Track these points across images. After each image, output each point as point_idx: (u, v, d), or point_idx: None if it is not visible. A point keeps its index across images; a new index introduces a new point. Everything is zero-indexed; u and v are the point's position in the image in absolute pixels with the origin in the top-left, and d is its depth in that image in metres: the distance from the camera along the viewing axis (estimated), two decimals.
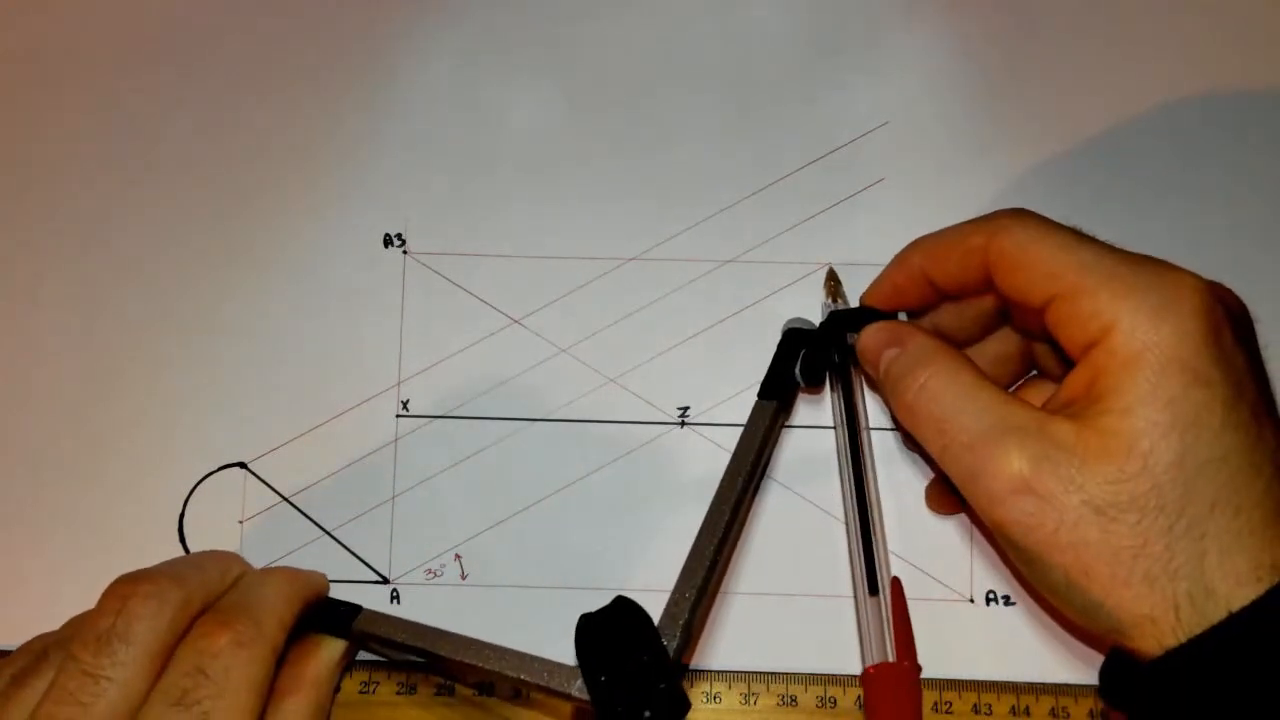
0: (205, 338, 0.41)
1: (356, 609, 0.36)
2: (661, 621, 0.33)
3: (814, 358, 0.38)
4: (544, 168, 0.42)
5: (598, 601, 0.33)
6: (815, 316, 0.40)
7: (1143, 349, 0.28)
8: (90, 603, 0.31)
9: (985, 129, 0.42)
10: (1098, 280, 0.29)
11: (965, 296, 0.36)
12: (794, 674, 0.39)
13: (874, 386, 0.39)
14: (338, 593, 0.40)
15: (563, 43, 0.43)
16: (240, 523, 0.40)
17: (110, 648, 0.29)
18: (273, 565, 0.36)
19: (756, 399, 0.37)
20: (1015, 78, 0.43)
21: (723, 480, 0.35)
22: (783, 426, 0.39)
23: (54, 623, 0.34)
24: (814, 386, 0.39)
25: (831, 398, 0.39)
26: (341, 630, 0.35)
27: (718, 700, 0.38)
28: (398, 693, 0.39)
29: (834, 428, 0.40)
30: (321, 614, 0.35)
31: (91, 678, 0.29)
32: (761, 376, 0.40)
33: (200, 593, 0.32)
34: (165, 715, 0.29)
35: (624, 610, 0.32)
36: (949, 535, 0.39)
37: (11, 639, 0.38)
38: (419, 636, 0.34)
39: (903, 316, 0.37)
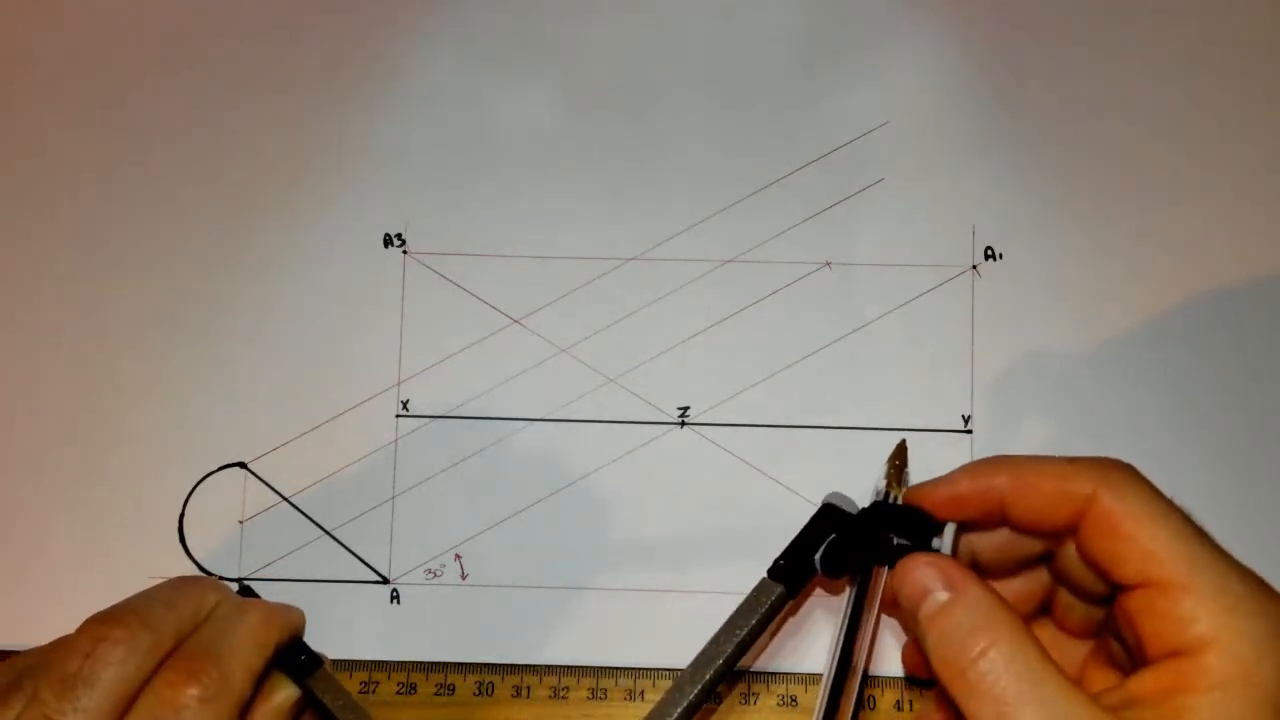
0: (205, 337, 0.41)
1: (317, 662, 0.34)
2: None
3: (840, 550, 0.34)
4: (544, 168, 0.42)
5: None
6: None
7: (1239, 678, 0.26)
8: (90, 602, 0.31)
9: (985, 129, 0.42)
10: (1207, 586, 0.27)
11: (1034, 534, 0.32)
12: (794, 674, 0.39)
13: (893, 608, 0.33)
14: (339, 592, 0.40)
15: (563, 43, 0.43)
16: (240, 523, 0.40)
17: (74, 692, 0.28)
18: (250, 602, 0.34)
19: (766, 575, 0.34)
20: (1015, 78, 0.43)
21: (701, 652, 0.33)
22: (784, 615, 0.36)
23: (53, 622, 0.34)
24: (832, 579, 0.35)
25: (847, 594, 0.34)
26: (296, 676, 0.34)
27: (717, 700, 0.38)
28: (398, 693, 0.39)
29: (839, 623, 0.34)
30: (285, 653, 0.34)
31: None
32: (762, 376, 0.40)
33: (172, 634, 0.31)
34: None
35: None
36: None
37: (12, 639, 0.39)
38: (355, 715, 0.34)
39: (950, 529, 0.33)
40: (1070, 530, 0.30)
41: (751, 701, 0.38)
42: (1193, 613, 0.27)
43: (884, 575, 0.33)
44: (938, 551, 0.32)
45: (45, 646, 0.31)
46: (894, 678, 0.38)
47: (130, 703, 0.29)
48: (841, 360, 0.41)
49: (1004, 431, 0.40)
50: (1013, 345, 0.41)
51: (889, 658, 0.38)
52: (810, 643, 0.39)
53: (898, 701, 0.38)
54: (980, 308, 0.41)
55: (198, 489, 0.40)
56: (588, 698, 0.39)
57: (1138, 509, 0.29)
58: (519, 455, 0.41)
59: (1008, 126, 0.42)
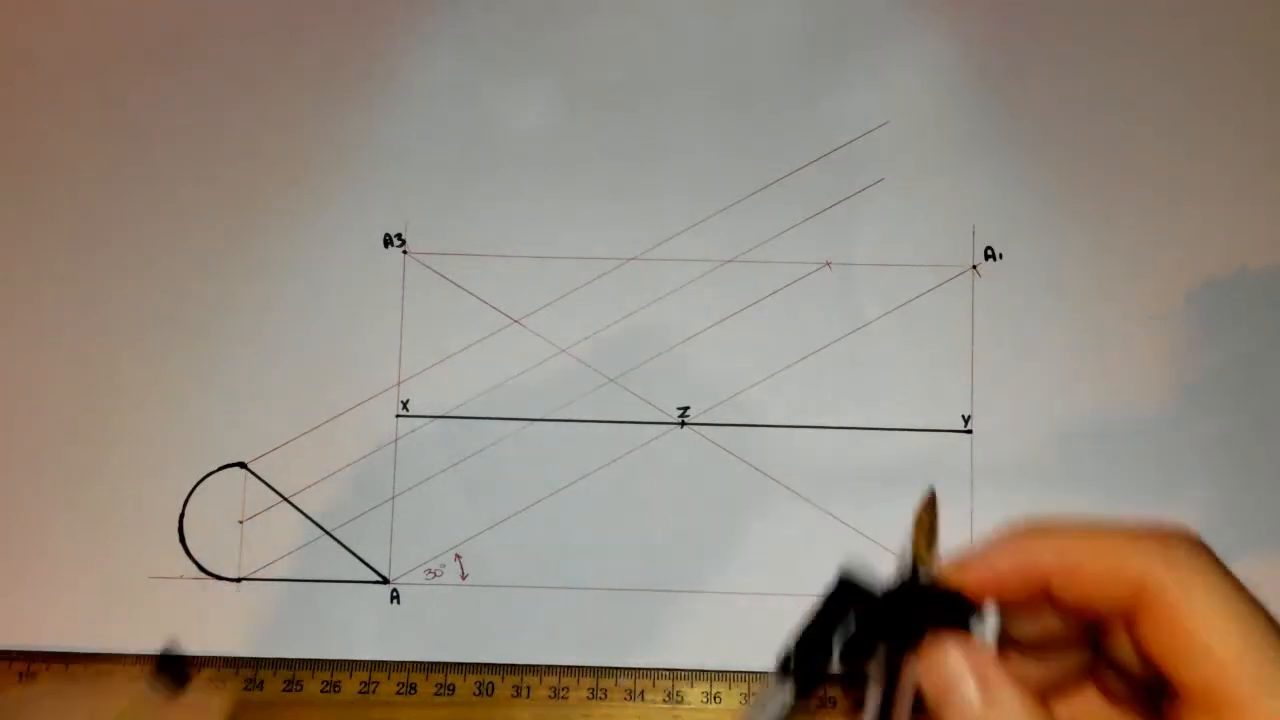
0: (205, 337, 0.41)
1: None
2: None
3: (863, 640, 0.29)
4: (544, 168, 0.42)
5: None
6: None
7: None
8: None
9: (985, 129, 0.42)
10: (1270, 713, 0.24)
11: (1078, 618, 0.28)
12: None
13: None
14: (339, 592, 0.40)
15: (563, 43, 0.43)
16: (240, 523, 0.40)
17: None
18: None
19: (774, 673, 0.29)
20: (1015, 78, 0.43)
21: None
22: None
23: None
24: (852, 674, 0.30)
25: (871, 691, 0.30)
26: None
27: (718, 700, 0.38)
28: (397, 693, 0.39)
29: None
30: None
31: None
32: (762, 376, 0.40)
33: None
34: None
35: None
36: None
37: (12, 639, 0.39)
38: None
39: (993, 612, 0.29)
40: (1124, 615, 0.26)
41: (752, 702, 0.38)
42: None
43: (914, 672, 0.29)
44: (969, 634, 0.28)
45: None
46: None
47: None
48: (841, 360, 0.41)
49: (1004, 431, 0.40)
50: (1013, 345, 0.41)
51: None
52: None
53: None
54: (980, 308, 0.41)
55: (198, 489, 0.40)
56: (588, 698, 0.39)
57: (1205, 602, 0.25)
58: (519, 455, 0.41)
59: (1008, 126, 0.42)
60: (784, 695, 0.29)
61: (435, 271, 0.42)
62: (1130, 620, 0.26)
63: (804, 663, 0.29)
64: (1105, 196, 0.42)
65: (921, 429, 0.40)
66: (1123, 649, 0.27)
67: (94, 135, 0.43)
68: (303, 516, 0.40)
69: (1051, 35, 0.43)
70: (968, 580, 0.28)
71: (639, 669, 0.39)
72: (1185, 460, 0.40)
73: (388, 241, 0.42)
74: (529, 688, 0.39)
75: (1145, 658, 0.26)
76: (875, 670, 0.29)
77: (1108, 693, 0.29)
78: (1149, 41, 0.43)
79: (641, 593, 0.40)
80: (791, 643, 0.28)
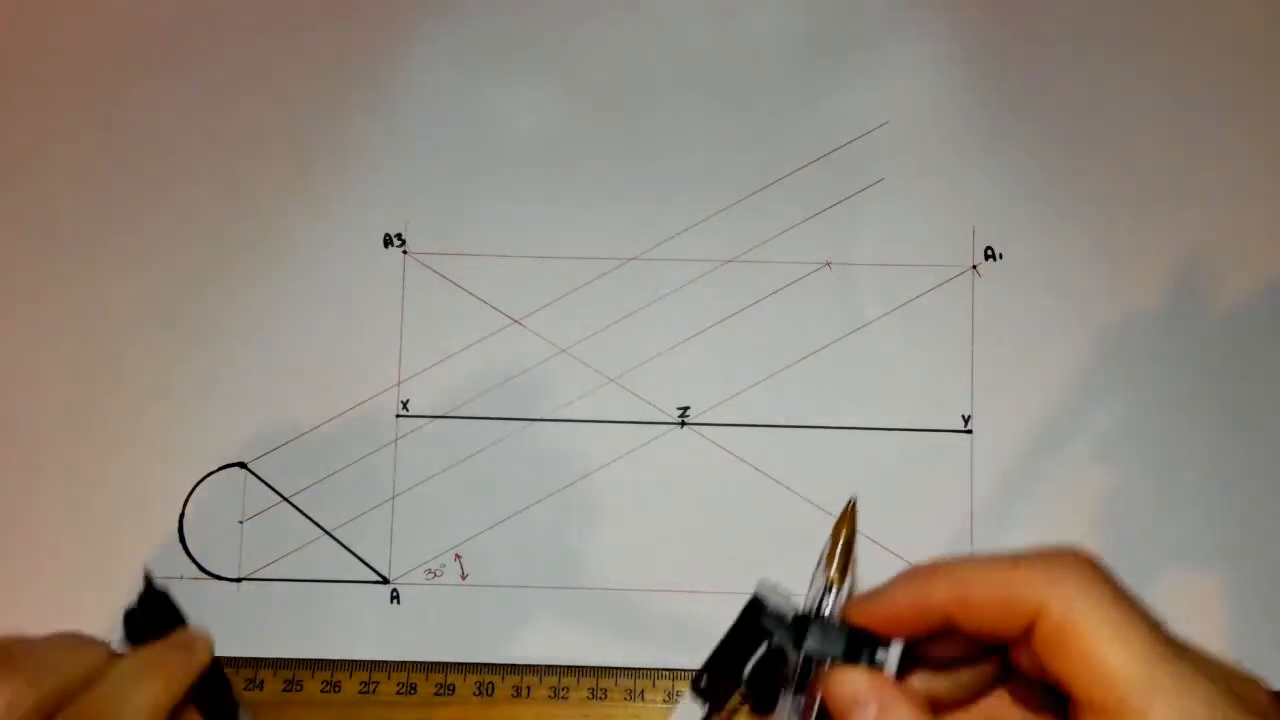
0: (205, 338, 0.41)
1: (234, 710, 0.32)
2: None
3: (770, 666, 0.30)
4: (544, 168, 0.42)
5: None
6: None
7: None
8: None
9: (985, 129, 0.42)
10: (1167, 713, 0.24)
11: (985, 644, 0.29)
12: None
13: None
14: (339, 592, 0.40)
15: (563, 43, 0.43)
16: (240, 523, 0.40)
17: None
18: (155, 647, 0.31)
19: (689, 691, 0.31)
20: (1015, 78, 0.43)
21: None
22: None
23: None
24: (760, 695, 0.31)
25: (778, 709, 0.31)
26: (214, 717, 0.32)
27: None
28: (397, 693, 0.39)
29: None
30: (203, 689, 0.31)
31: None
32: (762, 376, 0.40)
33: (55, 697, 0.28)
34: None
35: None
36: None
37: None
38: None
39: (898, 646, 0.29)
40: (1023, 637, 0.27)
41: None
42: None
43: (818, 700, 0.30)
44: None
45: None
46: None
47: None
48: (841, 360, 0.41)
49: (1004, 431, 0.40)
50: (1013, 345, 0.41)
51: None
52: None
53: None
54: (980, 308, 0.41)
55: (198, 489, 0.40)
56: (588, 698, 0.39)
57: (1090, 621, 0.25)
58: (519, 455, 0.41)
59: (1008, 126, 0.42)
60: (697, 712, 0.30)
61: (435, 271, 0.42)
62: (1027, 641, 0.26)
63: (715, 682, 0.30)
64: (1105, 196, 0.42)
65: (921, 429, 0.40)
66: (1029, 658, 0.27)
67: (94, 135, 0.43)
68: (303, 516, 0.40)
69: (1051, 35, 0.43)
70: (870, 619, 0.29)
71: (639, 669, 0.39)
72: (1185, 460, 0.40)
73: (388, 241, 0.42)
74: (529, 688, 0.39)
75: (1044, 675, 0.27)
76: (784, 691, 0.30)
77: (1019, 698, 0.30)
78: (1149, 41, 0.43)
79: (641, 593, 0.40)
80: (704, 664, 0.30)
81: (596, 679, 0.39)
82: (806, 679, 0.29)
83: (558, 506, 0.40)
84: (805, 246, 0.42)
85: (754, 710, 0.31)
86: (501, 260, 0.42)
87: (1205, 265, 0.41)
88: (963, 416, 0.41)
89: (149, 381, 0.41)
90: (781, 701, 0.30)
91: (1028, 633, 0.26)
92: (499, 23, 0.43)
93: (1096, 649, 0.25)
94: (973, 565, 0.28)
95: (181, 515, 0.40)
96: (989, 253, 0.41)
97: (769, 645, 0.30)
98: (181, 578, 0.40)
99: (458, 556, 0.40)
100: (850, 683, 0.28)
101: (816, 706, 0.29)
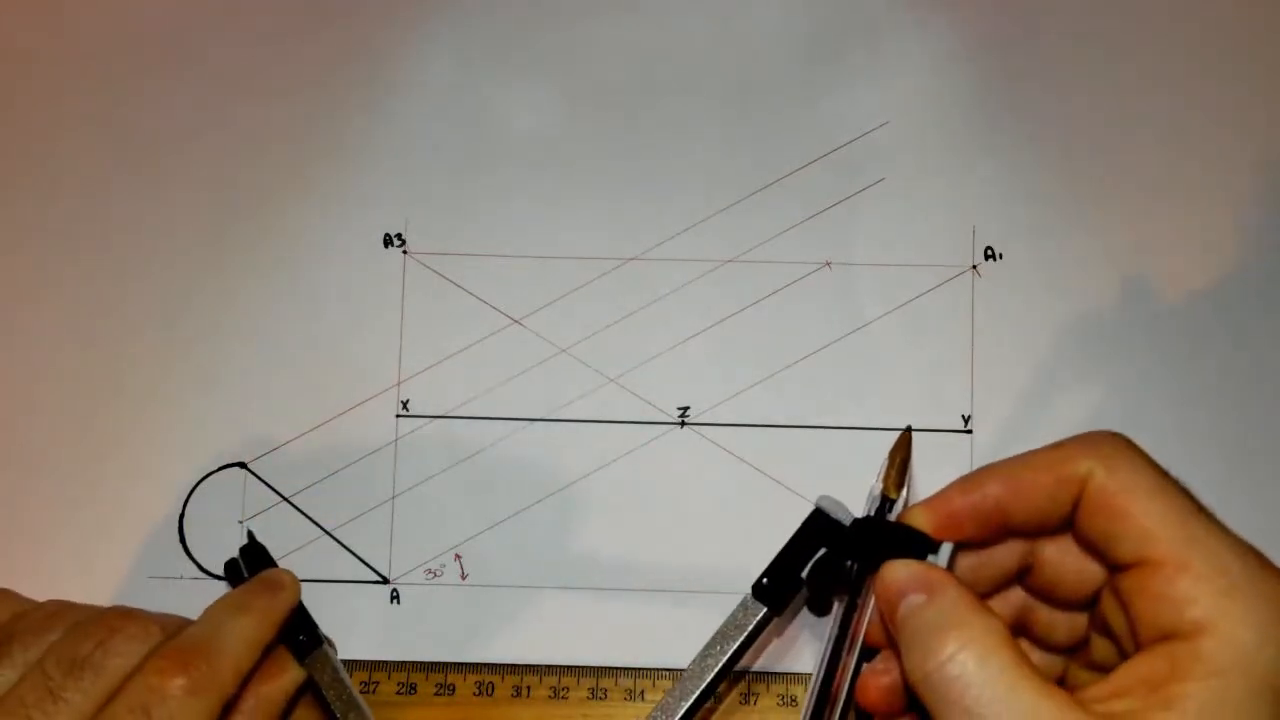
0: (205, 338, 0.41)
1: (317, 642, 0.35)
2: None
3: (829, 567, 0.33)
4: (544, 167, 0.42)
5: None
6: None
7: (1234, 664, 0.24)
8: (91, 602, 0.31)
9: (985, 129, 0.42)
10: (1205, 566, 0.26)
11: (1038, 536, 0.31)
12: (794, 674, 0.39)
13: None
14: (339, 592, 0.40)
15: (563, 43, 0.43)
16: (240, 523, 0.40)
17: (81, 674, 0.29)
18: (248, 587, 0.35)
19: (749, 594, 0.34)
20: (1015, 78, 0.43)
21: (684, 674, 0.34)
22: (766, 631, 0.35)
23: None
24: (818, 597, 0.34)
25: (834, 610, 0.34)
26: (298, 654, 0.35)
27: (717, 699, 0.38)
28: (397, 693, 0.39)
29: (824, 645, 0.33)
30: (288, 629, 0.34)
31: (53, 696, 0.29)
32: (762, 376, 0.40)
33: (163, 632, 0.31)
34: None
35: None
36: None
37: None
38: (345, 709, 0.34)
39: (947, 549, 0.31)
40: (1070, 519, 0.29)
41: (752, 702, 0.38)
42: (1189, 594, 0.25)
43: (872, 596, 0.31)
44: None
45: (39, 619, 0.32)
46: None
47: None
48: (841, 360, 0.41)
49: (1004, 431, 0.40)
50: (1013, 345, 0.41)
51: None
52: (810, 642, 0.39)
53: None
54: (980, 308, 0.41)
55: (198, 489, 0.40)
56: (588, 698, 0.39)
57: (1132, 483, 0.27)
58: (519, 455, 0.41)
59: (1008, 126, 0.42)
60: (758, 613, 0.33)
61: (435, 271, 0.42)
62: (1073, 519, 0.29)
63: (776, 585, 0.33)
64: (1105, 196, 0.42)
65: (921, 429, 0.40)
66: (1053, 572, 0.31)
67: (94, 135, 0.43)
68: (303, 516, 0.40)
69: (1051, 35, 0.43)
70: (929, 521, 0.31)
71: (639, 669, 0.39)
72: (1184, 460, 0.40)
73: (388, 241, 0.42)
74: (529, 688, 0.39)
75: (1088, 547, 0.29)
76: (838, 595, 0.33)
77: (1041, 643, 0.33)
78: (1149, 42, 0.43)
79: (641, 593, 0.40)
80: (767, 569, 0.33)
81: (596, 679, 0.39)
82: (861, 581, 0.32)
83: (558, 506, 0.40)
84: (805, 246, 0.42)
85: (811, 611, 0.34)
86: (501, 260, 0.42)
87: (1206, 265, 0.41)
88: (963, 416, 0.41)
89: (149, 381, 0.41)
90: (837, 606, 0.33)
91: (1073, 513, 0.29)
92: (499, 22, 0.43)
93: (1139, 506, 0.27)
94: (1021, 456, 0.30)
95: (181, 515, 0.40)
96: (989, 253, 0.41)
97: (826, 551, 0.33)
98: (181, 578, 0.40)
99: (458, 556, 0.40)
100: (898, 571, 0.29)
101: (871, 607, 0.32)
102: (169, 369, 0.41)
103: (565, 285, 0.42)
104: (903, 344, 0.41)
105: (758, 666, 0.39)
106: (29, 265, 0.42)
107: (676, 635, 0.38)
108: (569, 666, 0.39)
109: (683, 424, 0.41)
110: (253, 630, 0.33)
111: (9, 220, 0.42)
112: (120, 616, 0.31)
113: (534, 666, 0.39)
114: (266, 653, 0.33)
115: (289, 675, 0.34)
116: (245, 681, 0.32)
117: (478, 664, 0.39)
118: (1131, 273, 0.41)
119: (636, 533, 0.40)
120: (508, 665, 0.39)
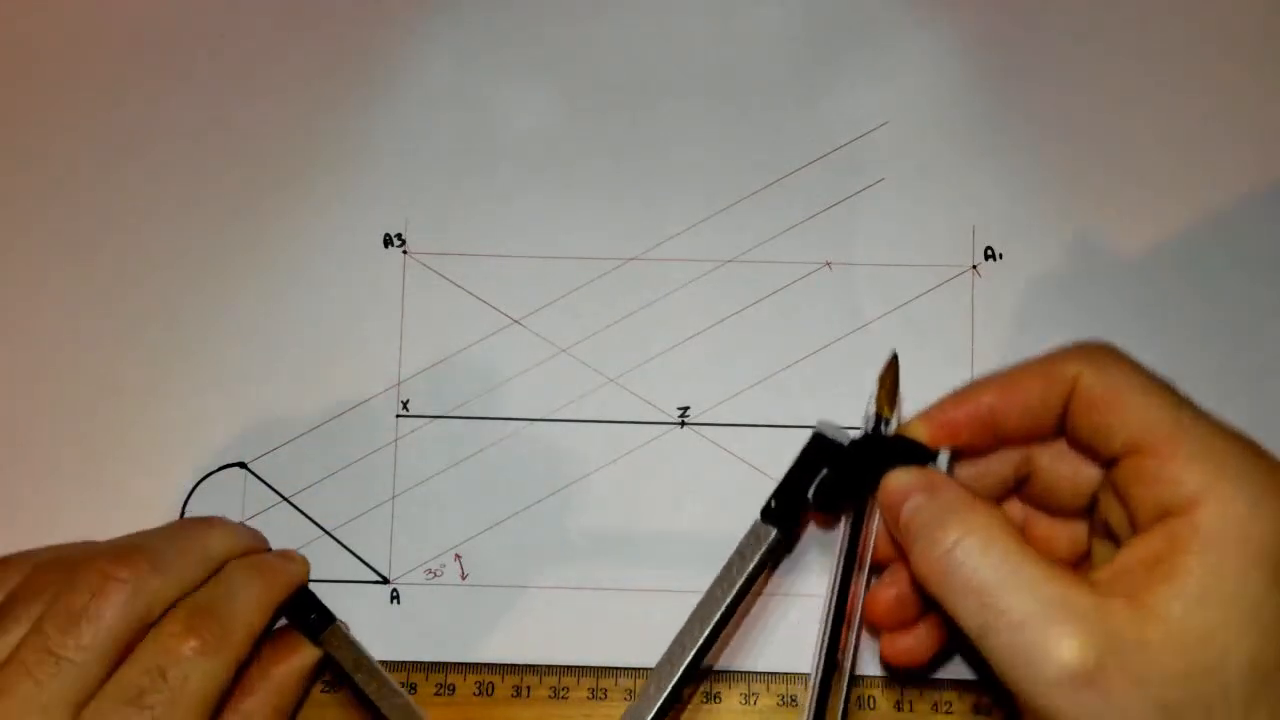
0: (205, 337, 0.41)
1: (329, 620, 0.35)
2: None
3: (833, 484, 0.34)
4: (544, 168, 0.42)
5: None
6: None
7: (1230, 534, 0.25)
8: None
9: (985, 129, 0.42)
10: (1193, 446, 0.27)
11: (1031, 441, 0.32)
12: (794, 674, 0.39)
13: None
14: (339, 592, 0.40)
15: (563, 42, 0.43)
16: (240, 523, 0.40)
17: (78, 629, 0.29)
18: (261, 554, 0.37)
19: (759, 519, 0.35)
20: (1015, 78, 0.43)
21: (700, 602, 0.35)
22: (780, 556, 0.36)
23: None
24: (827, 514, 0.36)
25: (841, 529, 0.35)
26: (309, 632, 0.36)
27: (718, 700, 0.38)
28: None
29: (835, 561, 0.35)
30: (296, 607, 0.35)
31: (53, 656, 0.29)
32: (761, 376, 0.40)
33: (177, 581, 0.32)
34: (115, 712, 0.29)
35: None
36: None
37: None
38: (367, 678, 0.35)
39: (944, 457, 0.32)
40: (1060, 425, 0.30)
41: (752, 702, 0.38)
42: (1180, 474, 0.27)
43: (877, 510, 0.33)
44: None
45: (41, 573, 0.32)
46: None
47: (130, 644, 0.30)
48: (841, 360, 0.41)
49: None
50: (1013, 345, 0.41)
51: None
52: (810, 642, 0.39)
53: (897, 702, 0.38)
54: (980, 308, 0.41)
55: (198, 489, 0.40)
56: (588, 698, 0.39)
57: (1121, 380, 0.29)
58: (519, 455, 0.41)
59: (1008, 126, 0.42)
60: (769, 536, 0.34)
61: (435, 271, 0.42)
62: (1065, 421, 0.30)
63: (783, 507, 0.34)
64: (1105, 197, 0.42)
65: None
66: (1048, 478, 0.32)
67: (94, 135, 0.43)
68: (303, 516, 0.40)
69: (1051, 35, 0.43)
70: (925, 431, 0.32)
71: (639, 669, 0.39)
72: None
73: (388, 241, 0.42)
74: (529, 688, 0.39)
75: (1081, 447, 0.30)
76: (844, 511, 0.34)
77: (1037, 549, 0.32)
78: (1150, 42, 0.43)
79: (641, 593, 0.40)
80: (773, 494, 0.34)
81: (596, 679, 0.39)
82: (864, 502, 0.34)
83: (558, 506, 0.40)
84: (805, 246, 0.42)
85: (820, 511, 0.35)
86: (501, 260, 0.42)
87: (1205, 265, 0.41)
88: None
89: (149, 381, 0.41)
90: (843, 521, 0.34)
91: (1064, 417, 0.30)
92: (499, 22, 0.43)
93: (1129, 400, 0.28)
94: (1012, 367, 0.31)
95: (181, 515, 0.40)
96: (989, 253, 0.41)
97: (829, 471, 0.34)
98: None
99: (458, 556, 0.40)
100: (900, 478, 0.31)
101: (877, 520, 0.33)
102: (169, 369, 0.41)
103: (565, 285, 0.42)
104: (903, 344, 0.41)
105: (762, 666, 0.39)
106: (28, 265, 0.42)
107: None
108: (569, 666, 0.39)
109: (683, 424, 0.41)
110: (264, 591, 0.33)
111: (9, 220, 0.42)
112: (111, 560, 0.31)
113: (534, 666, 0.39)
114: (278, 645, 0.34)
115: (302, 654, 0.35)
116: (258, 643, 0.33)
117: (478, 664, 0.39)
118: (1131, 273, 0.41)
119: (636, 533, 0.40)
120: (508, 665, 0.39)
